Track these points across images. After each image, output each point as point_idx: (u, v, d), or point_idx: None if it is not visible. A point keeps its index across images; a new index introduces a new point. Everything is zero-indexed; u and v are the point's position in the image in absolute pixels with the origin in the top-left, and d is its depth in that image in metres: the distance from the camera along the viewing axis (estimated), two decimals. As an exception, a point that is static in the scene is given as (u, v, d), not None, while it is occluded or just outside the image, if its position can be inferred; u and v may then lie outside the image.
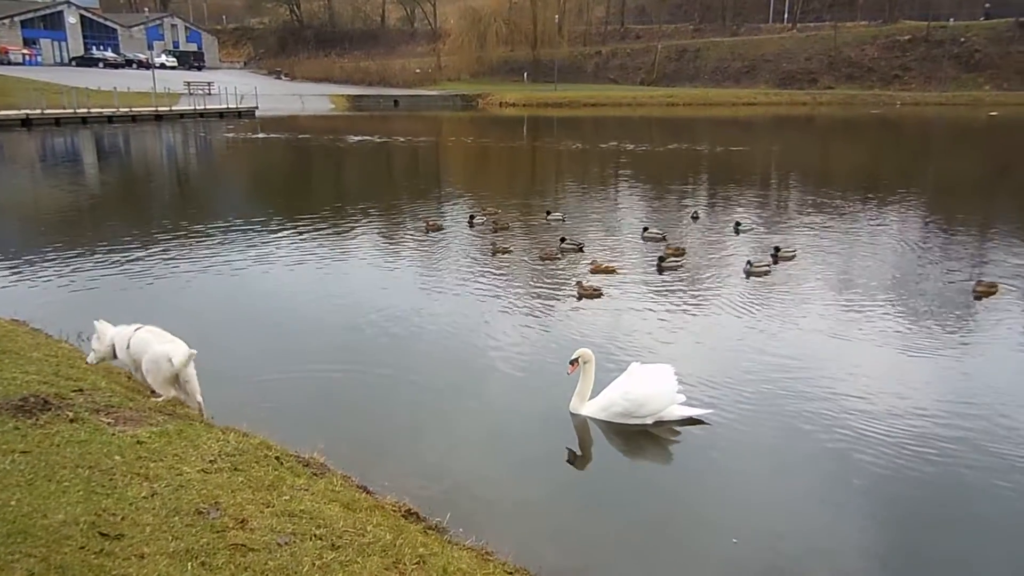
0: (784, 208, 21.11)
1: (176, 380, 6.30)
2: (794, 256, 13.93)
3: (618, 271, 12.95)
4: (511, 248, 14.53)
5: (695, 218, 17.75)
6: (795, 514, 5.96)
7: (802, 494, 6.22)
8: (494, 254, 14.23)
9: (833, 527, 5.73)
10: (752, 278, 12.59)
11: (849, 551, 5.45)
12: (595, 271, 12.88)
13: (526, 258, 14.07)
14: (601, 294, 11.57)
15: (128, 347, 6.37)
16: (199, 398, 6.43)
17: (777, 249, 13.95)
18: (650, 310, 10.97)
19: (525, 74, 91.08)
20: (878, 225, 17.72)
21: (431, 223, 16.67)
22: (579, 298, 11.46)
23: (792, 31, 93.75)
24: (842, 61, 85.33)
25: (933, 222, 18.45)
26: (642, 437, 7.19)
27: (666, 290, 11.95)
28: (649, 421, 7.27)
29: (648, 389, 7.22)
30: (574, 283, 11.91)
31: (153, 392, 6.37)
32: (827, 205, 20.44)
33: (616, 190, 24.85)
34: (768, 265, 13.10)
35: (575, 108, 73.11)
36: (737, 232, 16.15)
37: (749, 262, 13.02)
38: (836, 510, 5.94)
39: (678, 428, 7.26)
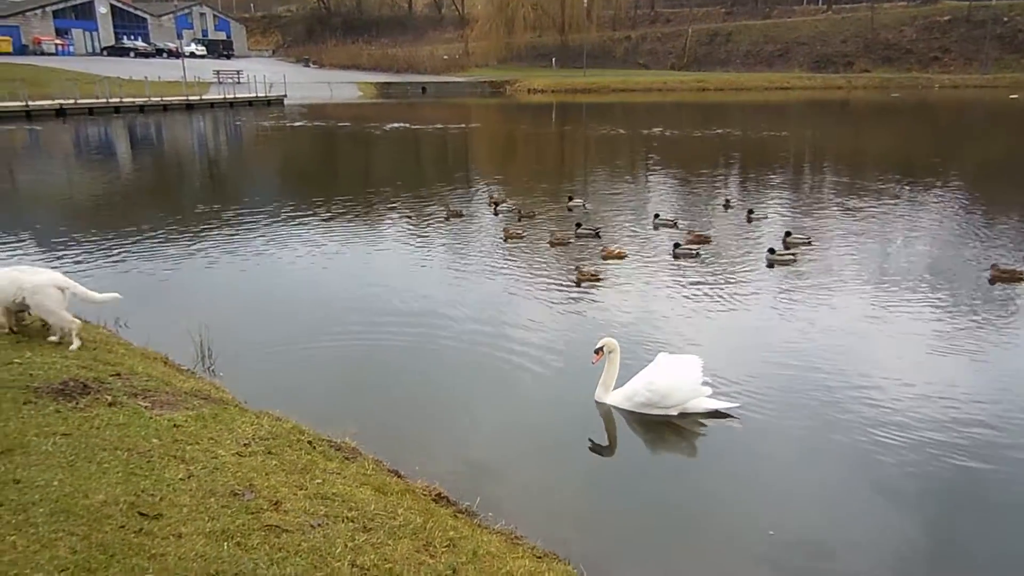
0: (815, 194, 20.77)
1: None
2: (808, 242, 13.70)
3: (628, 256, 12.94)
4: (523, 233, 14.55)
5: (727, 206, 17.46)
6: (825, 507, 5.89)
7: (832, 487, 6.13)
8: (506, 239, 14.28)
9: (864, 519, 5.65)
10: (777, 266, 12.42)
11: (882, 544, 5.38)
12: (606, 256, 12.87)
13: (540, 244, 14.04)
14: (600, 279, 11.58)
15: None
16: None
17: (788, 234, 13.73)
18: (672, 299, 10.87)
19: (553, 60, 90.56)
20: (912, 212, 17.39)
21: (452, 210, 16.74)
22: (578, 283, 11.48)
23: (827, 13, 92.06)
24: (879, 43, 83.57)
25: (970, 209, 18.01)
26: (668, 428, 7.15)
27: (689, 279, 11.84)
28: (674, 412, 7.22)
29: (672, 380, 7.16)
30: (574, 268, 11.95)
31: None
32: (860, 191, 20.07)
33: (644, 177, 24.66)
34: (793, 253, 12.86)
35: (604, 94, 72.56)
36: (749, 220, 15.98)
37: (771, 250, 12.85)
38: (866, 503, 5.85)
39: (704, 420, 7.19)
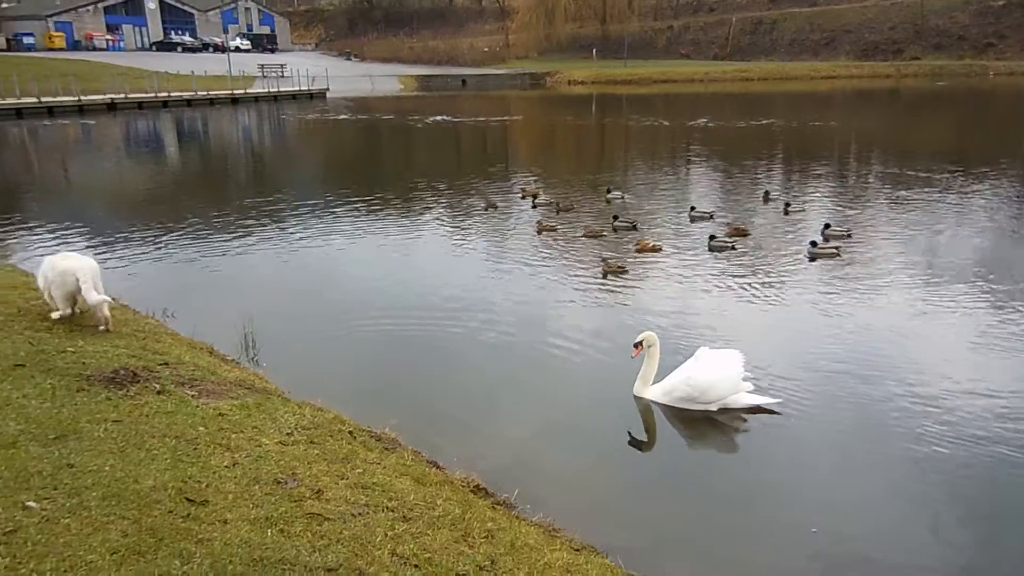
0: (861, 185, 20.30)
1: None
2: (848, 235, 13.43)
3: (664, 249, 12.83)
4: (556, 226, 14.52)
5: (767, 198, 17.18)
6: (870, 507, 5.77)
7: (876, 486, 5.99)
8: (539, 232, 14.27)
9: (909, 520, 5.53)
10: (819, 260, 12.19)
11: (927, 546, 5.27)
12: (641, 249, 12.81)
13: (576, 237, 14.00)
14: (626, 271, 11.58)
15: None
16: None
17: (826, 226, 13.45)
18: (712, 293, 10.75)
19: (594, 51, 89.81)
20: (964, 204, 16.87)
21: (490, 201, 16.82)
22: (604, 275, 11.48)
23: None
24: (929, 30, 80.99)
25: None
26: (707, 423, 7.08)
27: (728, 272, 11.69)
28: (713, 407, 7.14)
29: (712, 375, 7.07)
30: (600, 260, 11.96)
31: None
32: (908, 182, 19.54)
33: (684, 168, 24.39)
34: (836, 247, 12.58)
35: (645, 85, 71.84)
36: (766, 201, 15.67)
37: (813, 243, 12.62)
38: (912, 503, 5.73)
39: (745, 416, 7.10)
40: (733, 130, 35.32)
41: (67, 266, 6.61)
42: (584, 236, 13.80)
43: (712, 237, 13.14)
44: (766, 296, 10.57)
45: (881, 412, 7.06)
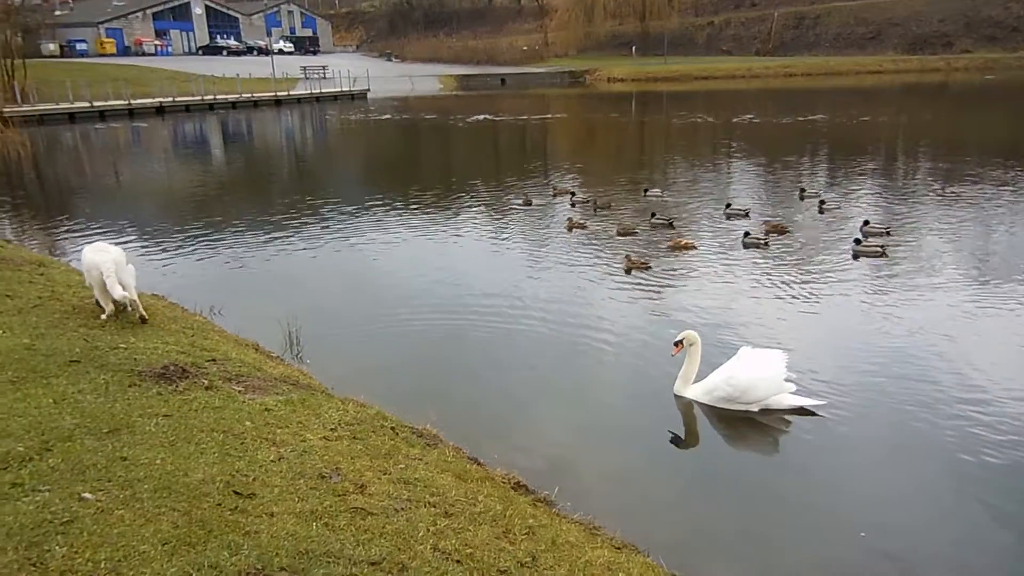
0: (908, 181, 19.78)
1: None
2: (888, 232, 13.11)
3: (699, 248, 12.73)
4: (586, 223, 14.54)
5: (803, 196, 16.85)
6: (916, 512, 5.61)
7: (924, 492, 5.84)
8: (569, 230, 14.29)
9: (956, 527, 5.38)
10: (863, 258, 11.94)
11: (977, 554, 5.13)
12: (673, 247, 12.75)
13: (609, 234, 13.96)
14: (649, 267, 11.60)
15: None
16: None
17: (865, 223, 13.12)
18: (753, 291, 10.61)
19: (633, 48, 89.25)
20: (1017, 201, 16.33)
21: (527, 199, 16.97)
22: (627, 271, 11.51)
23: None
24: (982, 21, 78.53)
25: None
26: (750, 424, 6.97)
27: (768, 270, 11.52)
28: (755, 408, 7.03)
29: (753, 375, 6.96)
30: (623, 257, 12.01)
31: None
32: (957, 180, 18.96)
33: (723, 166, 24.08)
34: (881, 245, 12.26)
35: (686, 82, 71.08)
36: (801, 198, 15.52)
37: (857, 240, 12.38)
38: (959, 509, 5.57)
39: (788, 417, 6.97)
40: (775, 127, 34.78)
41: (91, 260, 6.80)
42: (617, 234, 13.73)
43: (746, 234, 13.00)
44: (808, 295, 10.38)
45: (928, 416, 6.86)
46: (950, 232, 13.60)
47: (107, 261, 6.78)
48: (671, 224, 14.33)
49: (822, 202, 15.68)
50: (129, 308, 7.08)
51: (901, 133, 31.35)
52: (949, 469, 6.06)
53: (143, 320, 7.05)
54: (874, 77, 67.71)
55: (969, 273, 11.19)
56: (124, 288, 6.80)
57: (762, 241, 12.78)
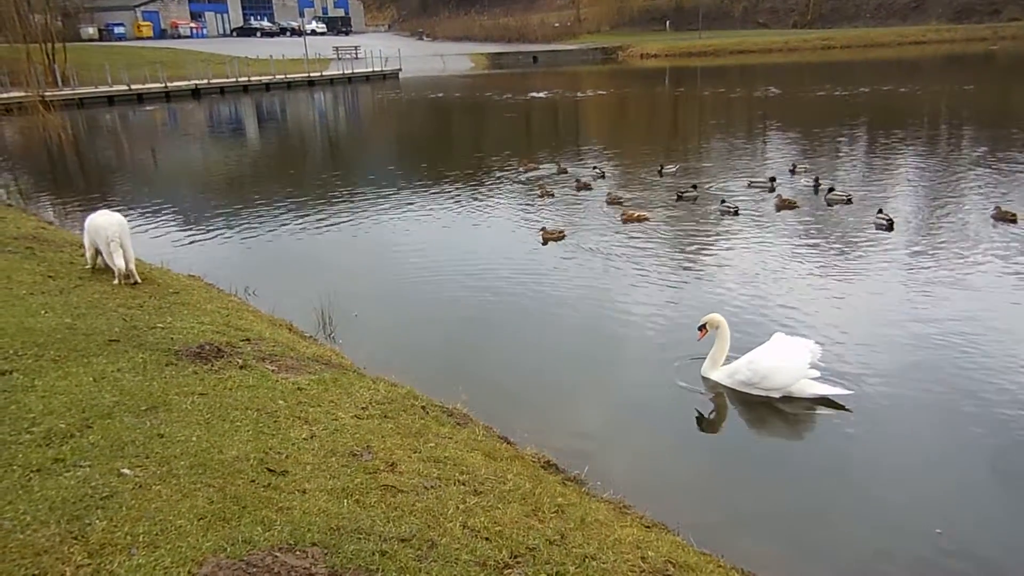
0: (947, 158, 19.16)
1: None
2: (849, 200, 13.63)
3: (650, 219, 13.19)
4: (645, 216, 14.38)
5: (793, 171, 17.02)
6: (947, 507, 5.43)
7: (955, 486, 5.64)
8: (610, 205, 14.57)
9: (990, 523, 5.21)
10: (883, 231, 11.96)
11: (1004, 543, 5.01)
12: (626, 220, 13.16)
13: (654, 216, 13.81)
14: (564, 236, 12.25)
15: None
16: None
17: (880, 211, 12.67)
18: (784, 272, 10.44)
19: (667, 23, 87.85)
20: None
21: (545, 190, 16.53)
22: (544, 242, 12.08)
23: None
24: (1030, -12, 75.77)
25: None
26: (775, 409, 6.83)
27: (802, 248, 11.33)
28: (776, 395, 6.91)
29: (775, 361, 6.82)
30: (539, 229, 12.54)
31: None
32: (1001, 155, 18.40)
33: (759, 140, 23.65)
34: (888, 219, 12.22)
35: (721, 57, 69.88)
36: (816, 192, 15.10)
37: (880, 209, 12.55)
38: (994, 505, 5.40)
39: (812, 406, 6.79)
40: (810, 100, 34.00)
41: (97, 224, 7.62)
42: (623, 216, 13.46)
43: (723, 202, 13.77)
44: (840, 277, 10.14)
45: (962, 408, 6.60)
46: (989, 214, 13.07)
47: (112, 225, 7.50)
48: (695, 199, 14.61)
49: (817, 179, 15.59)
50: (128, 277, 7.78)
51: (943, 106, 30.45)
52: (983, 465, 5.82)
53: (135, 282, 7.77)
54: (917, 48, 65.82)
55: (1013, 257, 10.68)
56: (124, 251, 7.58)
57: (732, 210, 13.36)
